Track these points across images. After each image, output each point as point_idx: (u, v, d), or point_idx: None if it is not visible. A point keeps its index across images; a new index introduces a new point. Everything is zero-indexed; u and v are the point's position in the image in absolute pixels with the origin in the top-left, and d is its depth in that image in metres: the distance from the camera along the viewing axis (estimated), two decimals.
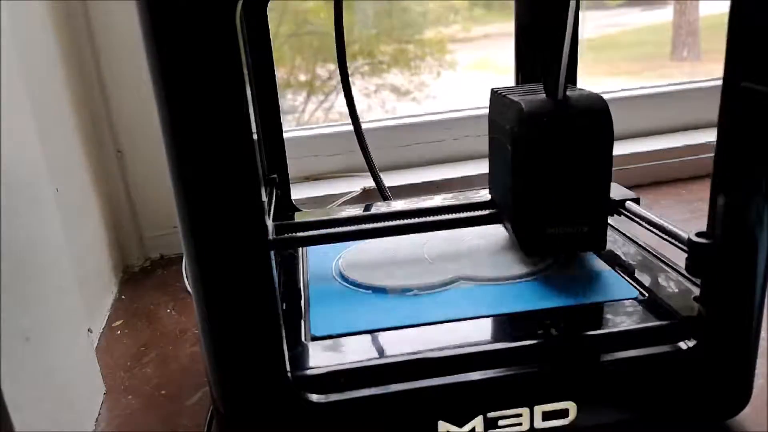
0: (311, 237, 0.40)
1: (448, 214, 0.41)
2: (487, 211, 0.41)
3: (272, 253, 0.29)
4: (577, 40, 0.50)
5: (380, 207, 0.51)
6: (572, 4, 0.37)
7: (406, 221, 0.40)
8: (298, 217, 0.51)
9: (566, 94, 0.36)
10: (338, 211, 0.54)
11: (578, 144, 0.35)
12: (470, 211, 0.41)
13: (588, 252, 0.41)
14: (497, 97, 0.40)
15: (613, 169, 0.36)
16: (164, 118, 0.27)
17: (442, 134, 0.78)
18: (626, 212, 0.41)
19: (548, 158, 0.35)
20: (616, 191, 0.43)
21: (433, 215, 0.41)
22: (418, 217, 0.41)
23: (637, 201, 0.42)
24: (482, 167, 0.74)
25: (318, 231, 0.40)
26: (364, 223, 0.40)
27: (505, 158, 0.38)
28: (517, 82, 0.53)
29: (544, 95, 0.37)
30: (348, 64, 0.51)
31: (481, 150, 0.78)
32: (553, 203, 0.36)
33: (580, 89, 0.38)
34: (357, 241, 0.45)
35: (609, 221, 0.47)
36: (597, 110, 0.35)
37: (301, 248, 0.46)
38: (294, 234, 0.40)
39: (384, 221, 0.40)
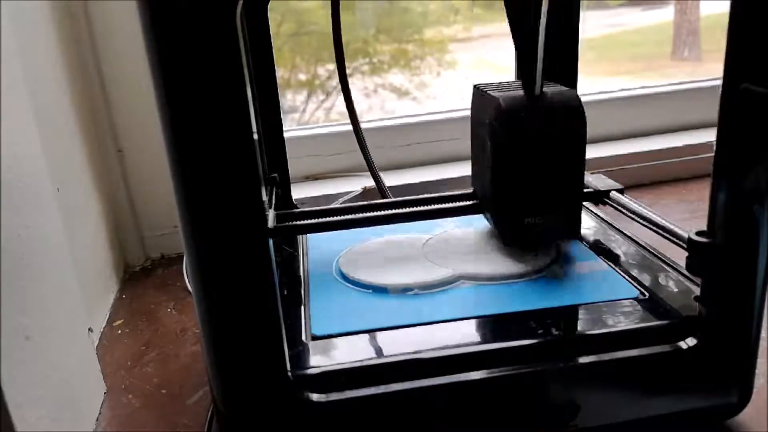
0: (309, 225, 0.42)
1: (432, 204, 0.43)
2: (469, 202, 0.43)
3: (273, 253, 0.29)
4: (577, 40, 0.50)
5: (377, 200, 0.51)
6: (545, 3, 0.38)
7: (397, 210, 0.42)
8: None
9: (543, 91, 0.38)
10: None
11: (552, 138, 0.37)
12: (453, 202, 0.43)
13: (570, 240, 0.42)
14: (479, 92, 0.42)
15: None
16: (165, 118, 0.27)
17: (442, 134, 0.78)
18: (611, 202, 0.43)
19: (524, 151, 0.37)
20: (601, 182, 0.45)
21: (420, 206, 0.43)
22: (407, 207, 0.42)
23: (621, 191, 0.43)
24: None
25: (315, 220, 0.42)
26: (360, 213, 0.42)
27: (484, 151, 0.39)
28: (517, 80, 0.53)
29: (522, 91, 0.38)
30: (348, 64, 0.51)
31: None
32: (529, 194, 0.38)
33: (558, 86, 0.40)
34: (357, 241, 0.45)
35: (608, 220, 0.47)
36: (571, 107, 0.37)
37: (301, 248, 0.46)
38: (294, 222, 0.41)
39: (376, 211, 0.42)
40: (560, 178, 0.38)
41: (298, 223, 0.41)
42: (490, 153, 0.38)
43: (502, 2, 0.38)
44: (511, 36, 0.52)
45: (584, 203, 0.51)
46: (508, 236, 0.41)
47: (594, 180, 0.45)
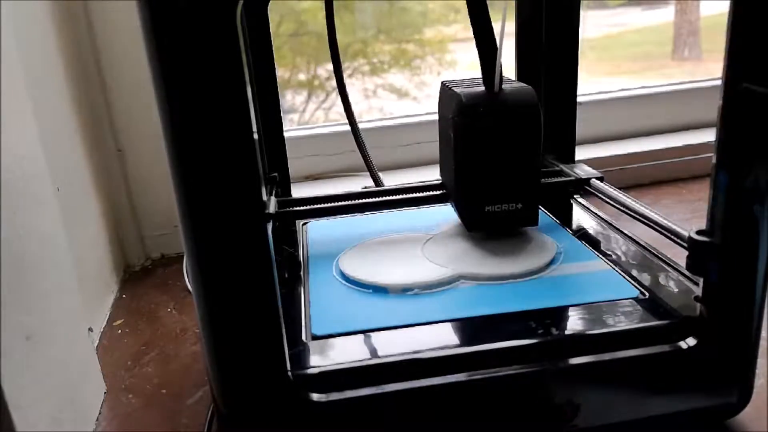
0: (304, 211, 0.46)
1: (403, 194, 0.47)
2: (437, 192, 0.46)
3: (273, 252, 0.29)
4: (577, 40, 0.51)
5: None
6: (505, 4, 0.40)
7: (369, 200, 0.46)
8: None
9: (502, 87, 0.40)
10: None
11: (510, 132, 0.40)
12: (422, 192, 0.47)
13: (527, 227, 0.44)
14: (444, 89, 0.44)
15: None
16: (165, 118, 0.27)
17: None
18: (592, 190, 0.45)
19: (484, 144, 0.40)
20: (582, 170, 0.48)
21: (392, 195, 0.46)
22: (378, 197, 0.46)
23: (601, 179, 0.46)
24: None
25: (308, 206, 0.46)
26: (345, 201, 0.46)
27: (448, 144, 0.42)
28: (518, 80, 0.53)
29: (483, 88, 0.40)
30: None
31: None
32: (489, 184, 0.41)
33: (518, 83, 0.42)
34: (357, 241, 0.45)
35: (608, 219, 0.47)
36: (527, 103, 0.40)
37: (301, 248, 0.46)
38: (292, 208, 0.45)
39: (355, 200, 0.46)
40: (517, 169, 0.41)
41: (294, 209, 0.45)
42: (452, 146, 0.41)
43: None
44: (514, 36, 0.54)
45: (581, 201, 0.51)
46: (471, 223, 0.43)
47: (576, 169, 0.48)
